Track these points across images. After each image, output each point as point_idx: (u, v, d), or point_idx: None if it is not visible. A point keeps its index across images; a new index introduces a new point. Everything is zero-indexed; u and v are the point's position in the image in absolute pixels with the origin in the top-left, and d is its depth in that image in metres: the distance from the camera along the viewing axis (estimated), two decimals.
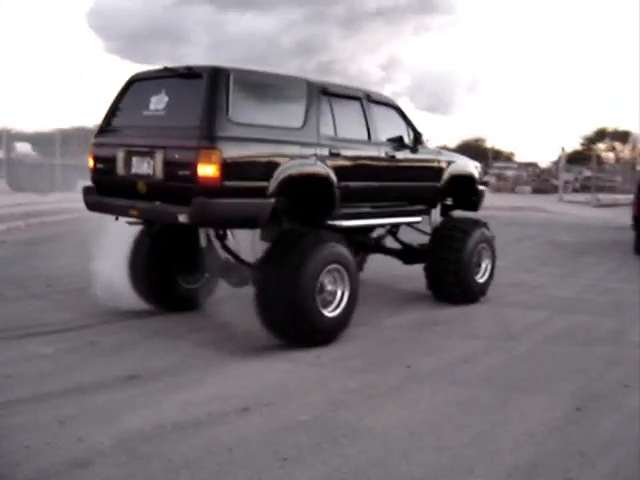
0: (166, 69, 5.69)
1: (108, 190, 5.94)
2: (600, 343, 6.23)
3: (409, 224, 7.72)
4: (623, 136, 62.63)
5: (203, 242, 6.41)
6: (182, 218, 5.16)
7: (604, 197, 29.28)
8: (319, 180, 5.89)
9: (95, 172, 6.04)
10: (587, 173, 38.48)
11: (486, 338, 6.31)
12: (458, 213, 8.34)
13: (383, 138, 6.79)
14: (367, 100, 6.72)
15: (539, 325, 6.89)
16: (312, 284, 5.53)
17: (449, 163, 7.74)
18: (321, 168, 5.86)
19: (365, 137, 6.58)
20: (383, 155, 6.70)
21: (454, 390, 4.79)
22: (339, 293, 5.88)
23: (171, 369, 5.06)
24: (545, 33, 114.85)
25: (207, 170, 5.06)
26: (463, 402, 4.56)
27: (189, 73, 5.50)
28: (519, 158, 54.58)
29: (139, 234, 6.68)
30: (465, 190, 8.07)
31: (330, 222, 6.19)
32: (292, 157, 5.62)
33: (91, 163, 6.05)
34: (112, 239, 7.07)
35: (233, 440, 3.80)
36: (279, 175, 5.46)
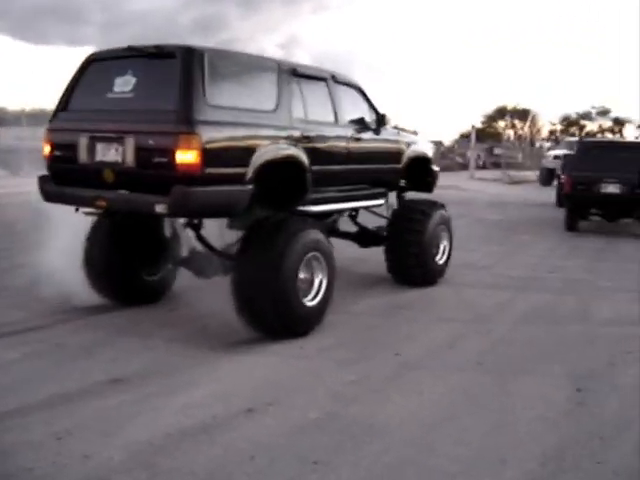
0: (131, 48, 5.26)
1: (67, 179, 5.46)
2: (570, 322, 6.38)
3: (369, 207, 7.62)
4: (522, 114, 65.29)
5: (168, 232, 6.10)
6: (160, 208, 4.82)
7: (514, 174, 30.40)
8: (293, 164, 5.67)
9: (51, 160, 5.52)
10: (498, 150, 39.86)
11: (459, 321, 6.33)
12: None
13: (348, 120, 6.63)
14: (332, 80, 6.53)
15: (505, 306, 7.00)
16: (293, 273, 5.34)
17: (409, 144, 7.69)
18: (295, 152, 5.64)
19: (332, 119, 6.39)
20: (350, 137, 6.55)
21: (452, 377, 4.76)
22: (317, 281, 5.72)
23: (155, 370, 4.75)
24: (445, 16, 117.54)
25: (186, 157, 4.74)
26: (465, 389, 4.53)
27: (159, 53, 5.12)
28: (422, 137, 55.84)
29: (94, 225, 6.23)
30: (421, 171, 8.05)
31: (300, 208, 5.99)
32: (267, 141, 5.37)
33: (47, 150, 5.53)
34: (59, 229, 6.63)
35: (251, 446, 3.58)
36: (256, 160, 5.20)
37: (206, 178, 4.83)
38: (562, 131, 64.76)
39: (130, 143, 4.96)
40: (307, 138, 5.81)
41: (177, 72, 4.92)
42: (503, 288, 7.83)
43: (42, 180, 5.61)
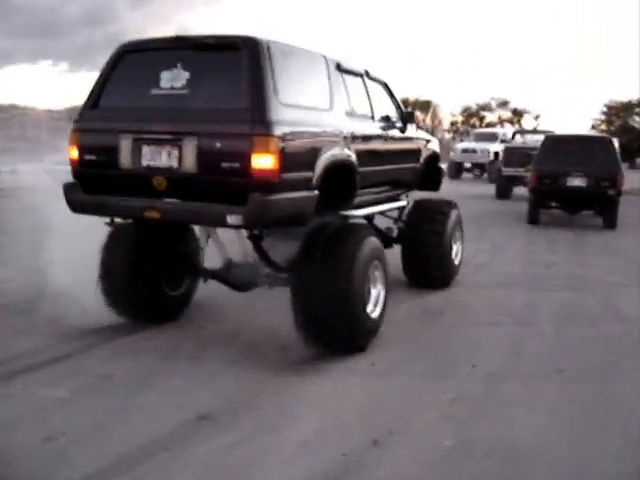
0: (181, 39, 4.68)
1: (101, 187, 4.81)
2: (607, 321, 6.33)
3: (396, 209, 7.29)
4: (424, 105, 66.54)
5: (203, 243, 5.56)
6: (233, 220, 4.30)
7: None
8: (347, 167, 5.27)
9: (81, 165, 4.83)
10: None
11: (501, 324, 6.14)
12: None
13: (380, 118, 6.29)
14: (367, 76, 6.17)
15: (532, 305, 6.88)
16: (361, 284, 4.96)
17: (426, 142, 7.44)
18: (349, 153, 5.24)
19: (371, 117, 6.03)
20: (385, 136, 6.21)
21: (547, 388, 4.54)
22: (376, 291, 5.35)
23: (238, 401, 4.23)
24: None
25: (263, 161, 4.25)
26: (575, 400, 4.33)
27: (218, 44, 4.58)
28: None
29: (112, 234, 5.55)
30: (431, 169, 7.81)
31: (344, 212, 5.59)
32: (329, 142, 4.95)
33: (74, 154, 4.84)
34: (56, 233, 6.01)
35: None
36: (321, 163, 4.77)
37: (281, 184, 4.37)
38: (463, 122, 66.76)
39: (190, 146, 4.41)
40: (355, 138, 5.43)
41: (244, 66, 4.40)
42: (515, 286, 7.74)
43: (69, 189, 4.90)
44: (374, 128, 5.99)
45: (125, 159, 4.63)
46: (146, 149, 4.57)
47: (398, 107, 6.81)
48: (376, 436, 3.72)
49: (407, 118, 6.77)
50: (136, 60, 4.84)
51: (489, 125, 59.73)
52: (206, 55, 4.62)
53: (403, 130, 6.71)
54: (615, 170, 12.21)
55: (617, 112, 62.16)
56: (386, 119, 6.38)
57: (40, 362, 4.82)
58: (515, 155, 18.00)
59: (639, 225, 13.52)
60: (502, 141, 24.57)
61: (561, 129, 29.14)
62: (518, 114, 65.90)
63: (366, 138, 5.70)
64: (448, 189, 20.35)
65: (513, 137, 23.10)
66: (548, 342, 5.62)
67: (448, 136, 57.28)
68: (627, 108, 61.71)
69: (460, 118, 67.84)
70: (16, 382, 4.41)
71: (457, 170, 26.17)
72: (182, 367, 4.80)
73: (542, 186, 12.54)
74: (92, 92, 4.89)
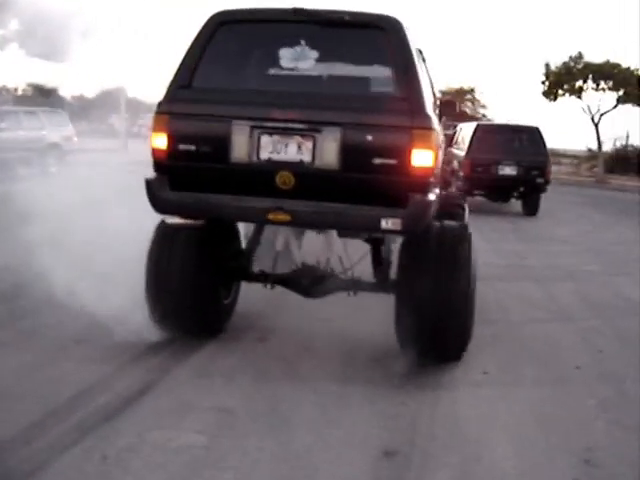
0: (300, 11, 3.99)
1: (199, 184, 4.03)
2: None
3: None
4: None
5: (280, 246, 4.93)
6: (390, 224, 3.78)
7: None
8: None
9: (172, 156, 4.00)
10: None
11: (549, 321, 6.09)
12: None
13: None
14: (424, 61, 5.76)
15: (555, 298, 6.94)
16: (474, 288, 4.63)
17: None
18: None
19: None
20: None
21: None
22: None
23: (396, 428, 3.74)
24: None
25: (424, 158, 3.77)
26: None
27: (352, 22, 3.97)
28: None
29: (164, 236, 4.71)
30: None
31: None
32: (441, 136, 4.55)
33: (162, 142, 4.00)
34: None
35: None
36: (440, 158, 4.38)
37: (434, 184, 3.91)
38: None
39: (331, 138, 3.79)
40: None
41: (394, 49, 3.86)
42: (513, 279, 7.79)
43: (156, 185, 4.05)
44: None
45: (238, 151, 3.90)
46: (267, 140, 3.88)
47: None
48: (588, 456, 3.44)
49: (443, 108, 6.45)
50: (238, 33, 4.09)
51: None
52: (335, 33, 4.00)
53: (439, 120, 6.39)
54: (544, 159, 12.81)
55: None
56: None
57: (127, 396, 3.96)
58: None
59: (553, 212, 14.34)
60: None
61: None
62: None
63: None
64: None
65: None
66: (611, 338, 5.64)
67: None
68: (460, 94, 65.60)
69: None
70: (125, 426, 3.57)
71: None
72: (297, 391, 4.19)
73: (474, 174, 12.84)
74: (182, 68, 4.06)
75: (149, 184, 4.05)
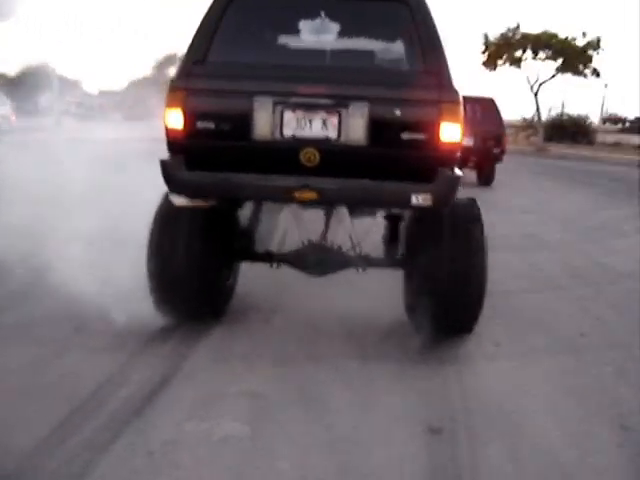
0: None
1: (217, 163, 3.86)
2: (619, 276, 6.76)
3: None
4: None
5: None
6: (420, 200, 3.72)
7: None
8: None
9: (189, 135, 3.80)
10: None
11: (545, 289, 6.21)
12: None
13: None
14: None
15: (540, 267, 7.09)
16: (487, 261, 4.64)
17: None
18: None
19: None
20: None
21: None
22: None
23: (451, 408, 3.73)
24: None
25: (452, 132, 3.72)
26: None
27: None
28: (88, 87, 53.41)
29: (168, 215, 4.47)
30: None
31: None
32: None
33: (177, 120, 3.79)
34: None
35: None
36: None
37: (458, 159, 3.87)
38: None
39: (358, 113, 3.69)
40: None
41: (418, 23, 3.77)
42: (499, 250, 7.64)
43: (171, 166, 3.85)
44: None
45: (261, 128, 3.74)
46: (290, 115, 3.74)
47: None
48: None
49: None
50: (253, 5, 3.91)
51: None
52: (355, 5, 3.87)
53: None
54: (500, 130, 12.99)
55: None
56: None
57: (150, 387, 3.80)
58: None
59: (505, 181, 14.62)
60: None
61: None
62: None
63: None
64: None
65: None
66: (605, 302, 5.80)
67: None
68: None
69: None
70: (159, 419, 3.42)
71: None
72: (322, 371, 4.12)
73: None
74: (196, 42, 3.85)
75: (165, 165, 3.85)
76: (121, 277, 4.83)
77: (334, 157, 3.76)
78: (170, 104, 3.79)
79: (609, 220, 10.70)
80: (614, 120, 52.38)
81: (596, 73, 28.81)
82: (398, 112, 3.68)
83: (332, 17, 3.79)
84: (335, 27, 3.78)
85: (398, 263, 4.69)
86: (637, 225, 10.15)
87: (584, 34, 27.42)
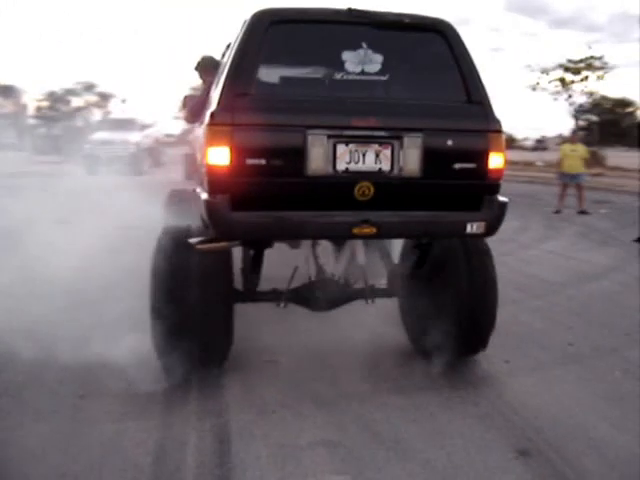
0: (358, 13, 3.77)
1: (265, 202, 3.63)
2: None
3: None
4: (6, 90, 60.42)
5: (362, 259, 4.71)
6: (475, 228, 3.79)
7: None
8: None
9: (236, 173, 3.53)
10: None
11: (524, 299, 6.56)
12: None
13: None
14: None
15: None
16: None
17: None
18: None
19: None
20: None
21: None
22: None
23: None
24: None
25: (498, 160, 3.84)
26: None
27: (410, 24, 3.86)
28: None
29: (173, 262, 4.12)
30: None
31: None
32: None
33: (224, 157, 3.51)
34: None
35: None
36: None
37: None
38: (49, 107, 63.20)
39: (413, 145, 3.68)
40: None
41: (457, 54, 3.83)
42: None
43: (218, 207, 3.57)
44: None
45: (315, 162, 3.59)
46: (343, 149, 3.64)
47: None
48: None
49: None
50: (292, 35, 3.76)
51: (78, 109, 58.69)
52: (392, 35, 3.86)
53: None
54: None
55: None
56: None
57: (210, 450, 3.48)
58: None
59: None
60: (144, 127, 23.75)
61: None
62: (105, 97, 64.69)
63: None
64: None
65: None
66: (572, 309, 6.24)
67: (34, 122, 54.01)
68: None
69: (46, 103, 63.67)
70: None
71: (95, 165, 20.32)
72: (366, 412, 4.01)
73: None
74: (237, 73, 3.62)
75: (211, 205, 3.56)
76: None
77: (388, 190, 3.71)
78: (214, 141, 3.52)
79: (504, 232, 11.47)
80: None
81: None
82: (450, 143, 3.72)
83: (374, 48, 3.75)
84: (377, 57, 3.73)
85: (398, 292, 4.76)
86: (530, 235, 11.01)
87: None
